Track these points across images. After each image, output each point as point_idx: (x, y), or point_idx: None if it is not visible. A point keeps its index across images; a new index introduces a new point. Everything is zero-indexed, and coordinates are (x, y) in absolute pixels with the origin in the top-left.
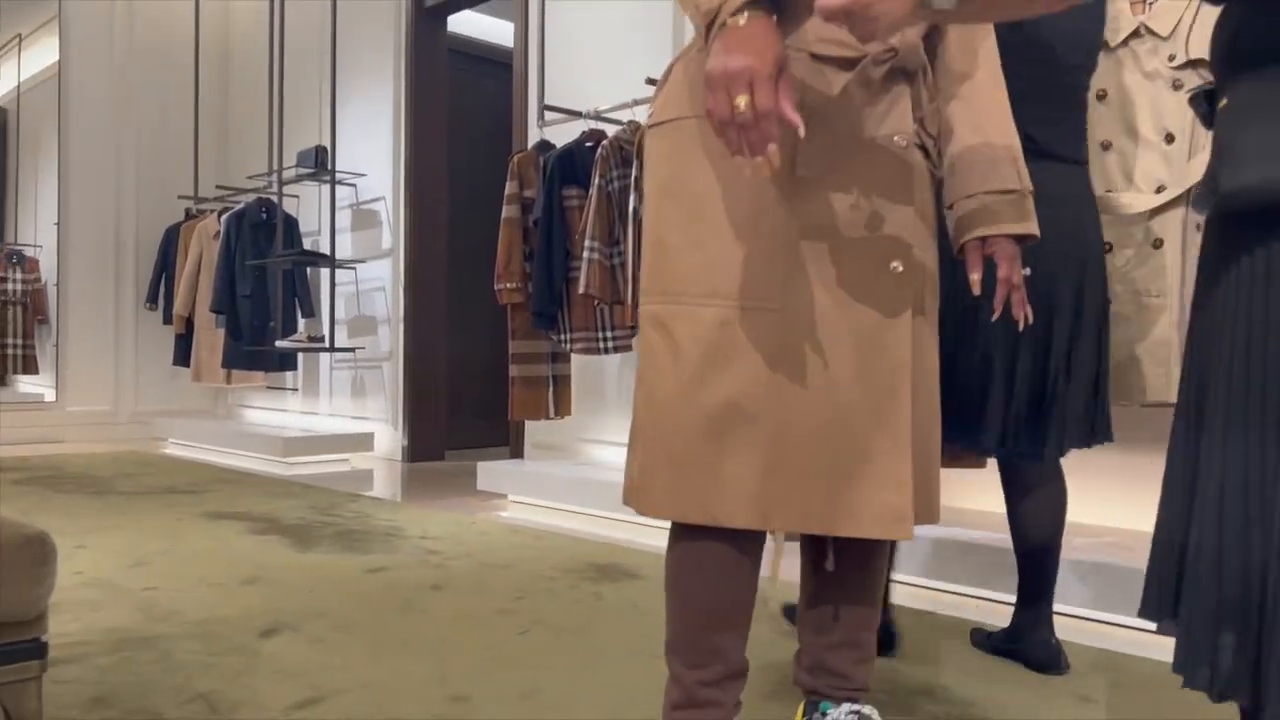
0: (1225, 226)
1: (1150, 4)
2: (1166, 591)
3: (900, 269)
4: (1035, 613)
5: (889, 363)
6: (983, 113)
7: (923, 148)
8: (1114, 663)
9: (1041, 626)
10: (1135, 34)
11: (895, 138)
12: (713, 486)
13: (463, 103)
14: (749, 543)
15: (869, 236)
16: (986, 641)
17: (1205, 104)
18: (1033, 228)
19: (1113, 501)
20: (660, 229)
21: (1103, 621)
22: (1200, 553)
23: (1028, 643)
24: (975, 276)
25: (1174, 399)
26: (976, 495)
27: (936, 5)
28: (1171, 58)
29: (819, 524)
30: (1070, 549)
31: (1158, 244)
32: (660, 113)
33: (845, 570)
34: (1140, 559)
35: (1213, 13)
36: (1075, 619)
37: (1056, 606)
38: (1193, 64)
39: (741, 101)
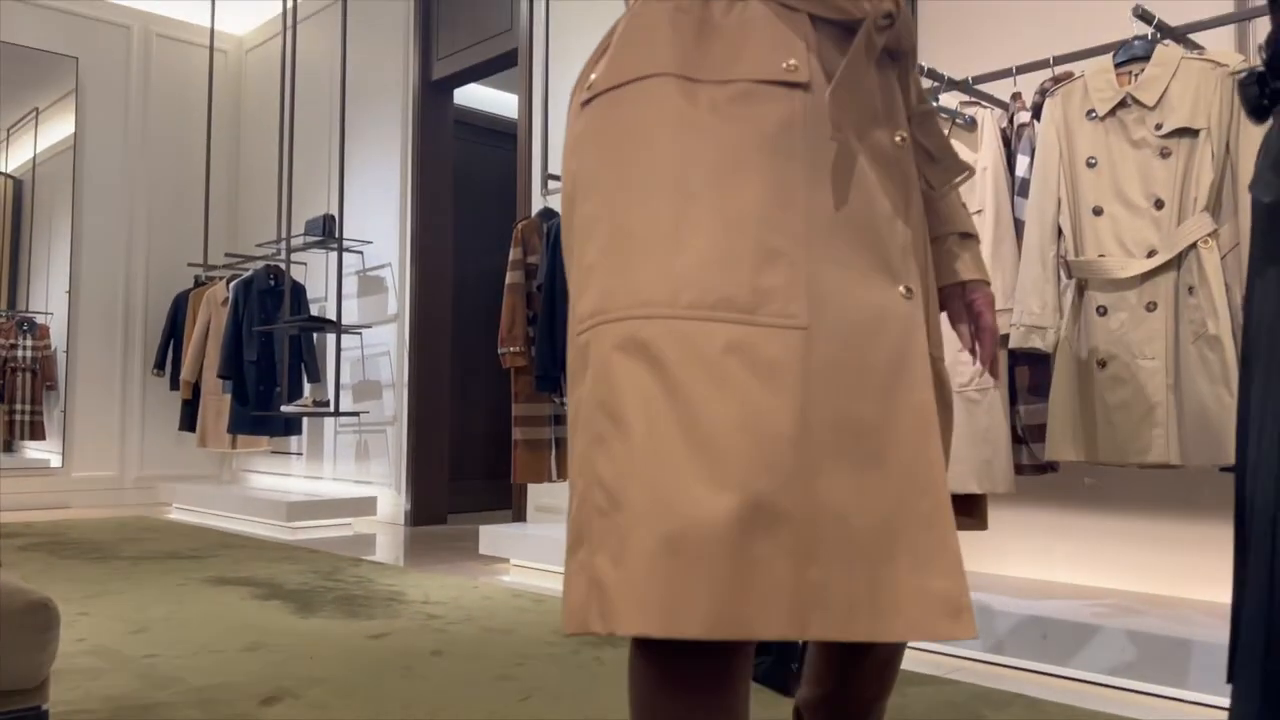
0: None
1: (1136, 76)
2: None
3: (909, 295)
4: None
5: (917, 404)
6: (939, 145)
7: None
8: None
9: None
10: (1122, 104)
11: (895, 136)
12: (740, 584)
13: (468, 171)
14: (746, 656)
15: (878, 249)
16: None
17: (1257, 89)
18: (988, 275)
19: (1118, 565)
20: (622, 216)
21: (1122, 689)
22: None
23: (773, 662)
24: (963, 328)
25: (1172, 460)
26: (979, 557)
27: None
28: (1158, 126)
29: (865, 628)
30: (1082, 614)
31: (1151, 307)
32: (612, 74)
33: (869, 667)
34: (1151, 624)
35: (1194, 83)
36: (1099, 686)
37: (1079, 674)
38: (1179, 132)
39: None
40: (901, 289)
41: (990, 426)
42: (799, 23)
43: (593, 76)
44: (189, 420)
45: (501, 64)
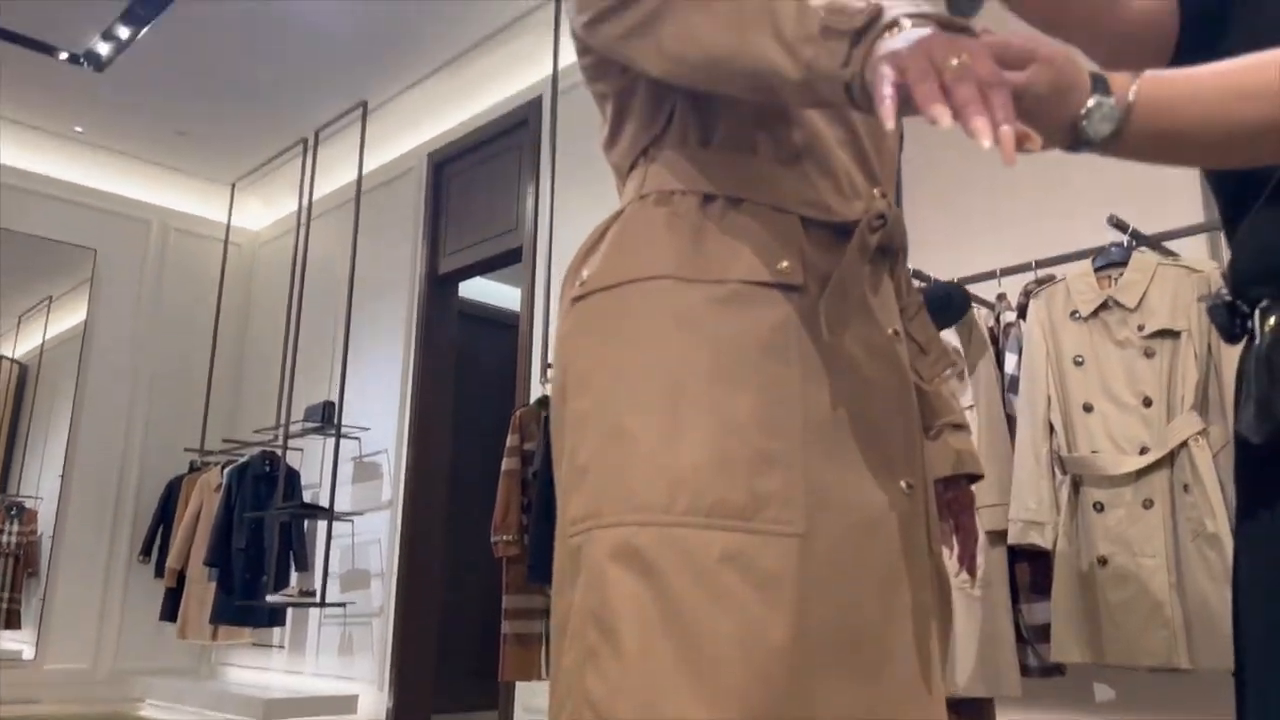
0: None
1: (1115, 279)
2: None
3: (910, 490)
4: None
5: (914, 606)
6: (928, 337)
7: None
8: None
9: None
10: (1104, 305)
11: (889, 330)
12: None
13: (469, 359)
14: None
15: (878, 445)
16: None
17: (1227, 314)
18: (981, 468)
19: None
20: (617, 415)
21: None
22: None
23: None
24: (944, 525)
25: (1181, 663)
26: None
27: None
28: (1141, 327)
29: None
30: None
31: (1148, 504)
32: (607, 273)
33: None
34: None
35: (1171, 288)
36: None
37: None
38: (1161, 333)
39: (955, 59)
40: (902, 484)
41: (993, 626)
42: (791, 224)
43: (585, 273)
44: (171, 609)
45: (506, 260)
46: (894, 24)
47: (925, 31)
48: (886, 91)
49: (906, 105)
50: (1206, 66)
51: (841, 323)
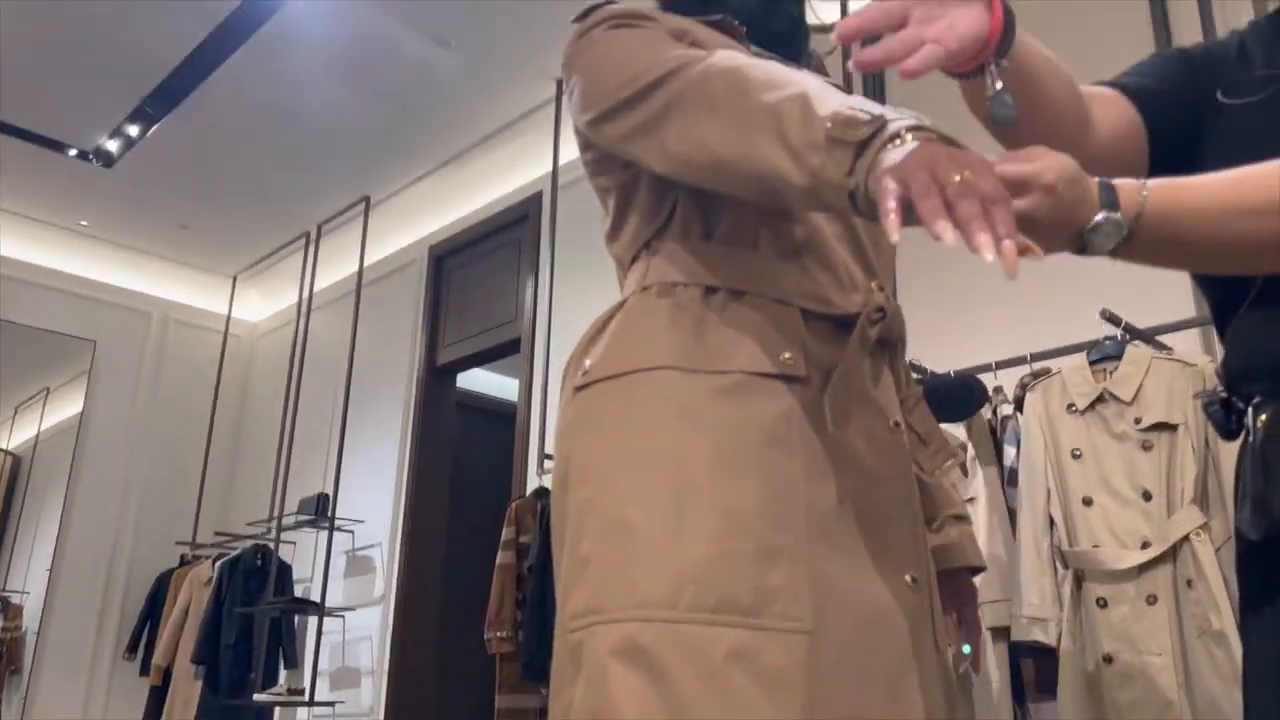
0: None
1: (1110, 373)
2: None
3: (915, 584)
4: None
5: (924, 705)
6: (929, 429)
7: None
8: None
9: None
10: (1100, 399)
11: (890, 421)
12: None
13: (466, 451)
14: None
15: (881, 538)
16: None
17: (1222, 412)
18: (983, 561)
19: None
20: (619, 506)
21: None
22: None
23: None
24: (948, 619)
25: None
26: None
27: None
28: (1137, 420)
29: None
30: None
31: (1151, 600)
32: (610, 363)
33: None
34: None
35: (1166, 382)
36: None
37: None
38: (1158, 427)
39: (958, 175)
40: (907, 578)
41: None
42: (792, 317)
43: (588, 363)
44: (155, 709)
45: (505, 350)
46: (897, 136)
47: (928, 146)
48: (891, 205)
49: (910, 217)
50: (1211, 177)
51: (845, 415)
